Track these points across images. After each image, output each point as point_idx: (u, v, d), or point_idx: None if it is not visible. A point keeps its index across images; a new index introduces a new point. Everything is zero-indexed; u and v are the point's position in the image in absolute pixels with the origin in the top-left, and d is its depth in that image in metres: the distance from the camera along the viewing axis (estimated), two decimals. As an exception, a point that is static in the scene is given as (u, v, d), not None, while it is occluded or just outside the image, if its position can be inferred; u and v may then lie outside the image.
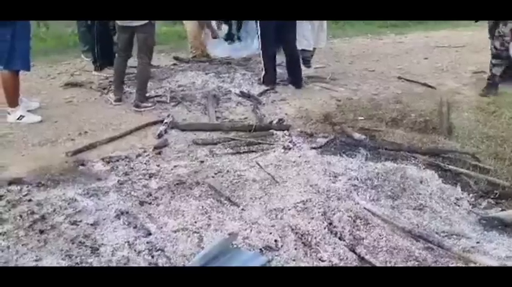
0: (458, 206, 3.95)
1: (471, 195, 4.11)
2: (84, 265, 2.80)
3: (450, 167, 4.44)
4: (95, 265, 2.80)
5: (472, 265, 3.02)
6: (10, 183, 3.73)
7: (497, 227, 3.68)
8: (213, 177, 4.00)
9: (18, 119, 5.20)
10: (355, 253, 3.13)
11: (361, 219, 3.42)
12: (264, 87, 6.90)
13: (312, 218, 3.32)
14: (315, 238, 3.16)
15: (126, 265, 2.83)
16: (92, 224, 3.23)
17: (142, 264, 2.86)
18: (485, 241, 3.43)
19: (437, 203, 3.92)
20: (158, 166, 4.24)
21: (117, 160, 4.31)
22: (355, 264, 3.04)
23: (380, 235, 3.30)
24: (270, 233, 3.12)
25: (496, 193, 4.14)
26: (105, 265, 2.81)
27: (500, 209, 3.97)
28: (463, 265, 3.03)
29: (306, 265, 2.93)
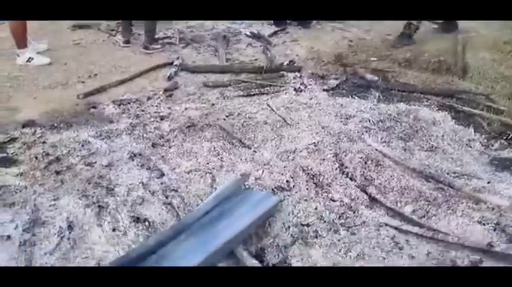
0: (471, 147, 3.94)
1: (484, 136, 4.09)
2: (100, 204, 2.85)
3: (464, 108, 4.39)
4: (111, 205, 2.86)
5: (483, 204, 3.05)
6: (24, 125, 3.76)
7: (509, 168, 3.68)
8: (224, 119, 3.99)
9: (27, 61, 5.16)
10: (366, 193, 3.17)
11: (372, 160, 3.43)
12: (274, 28, 6.75)
13: (324, 159, 3.34)
14: (327, 178, 3.19)
15: (142, 204, 2.89)
16: (106, 166, 3.28)
17: (157, 204, 2.92)
18: (496, 181, 3.44)
19: (449, 144, 3.91)
20: (169, 108, 4.23)
21: (128, 103, 4.30)
22: (366, 204, 3.08)
23: (391, 176, 3.32)
24: (282, 174, 3.15)
25: (509, 134, 4.11)
26: (121, 205, 2.86)
27: (512, 150, 3.96)
28: (474, 205, 3.06)
29: (317, 205, 2.97)
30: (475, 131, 4.12)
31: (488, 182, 3.42)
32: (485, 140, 4.05)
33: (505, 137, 4.10)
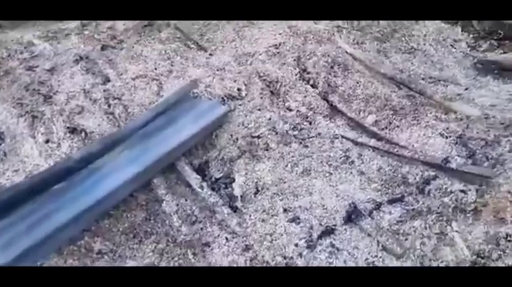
0: (455, 48, 3.60)
1: (471, 36, 3.72)
2: (35, 113, 2.65)
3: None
4: (46, 114, 2.66)
5: (452, 114, 2.81)
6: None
7: (493, 71, 3.37)
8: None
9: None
10: (328, 101, 2.92)
11: (339, 65, 3.13)
12: None
13: (284, 63, 3.05)
14: (285, 85, 2.93)
15: (81, 113, 2.69)
16: (48, 70, 3.03)
17: (98, 113, 2.71)
18: (475, 88, 3.17)
19: (431, 45, 3.57)
20: (128, 4, 3.85)
21: None
22: (325, 114, 2.86)
23: (357, 82, 3.05)
24: (235, 81, 2.88)
25: (500, 34, 3.73)
26: (58, 114, 2.67)
27: (501, 51, 3.61)
28: (443, 114, 2.82)
29: (272, 114, 2.75)
30: (462, 30, 3.75)
31: (466, 89, 3.15)
32: (472, 41, 3.70)
33: (495, 37, 3.72)
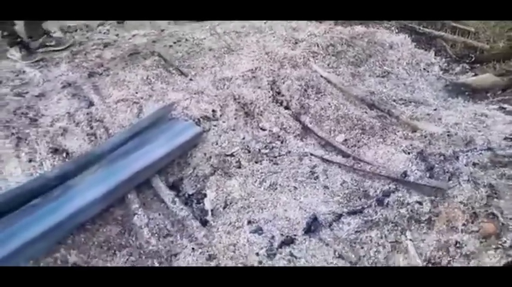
0: (428, 72, 3.76)
1: (444, 60, 3.89)
2: (20, 135, 2.81)
3: (426, 30, 4.13)
4: (31, 135, 2.81)
5: (418, 132, 2.93)
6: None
7: (464, 93, 3.51)
8: (170, 46, 3.84)
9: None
10: (300, 122, 3.07)
11: (313, 87, 3.29)
12: None
13: (259, 87, 3.21)
14: (259, 107, 3.08)
15: (64, 135, 2.84)
16: (37, 96, 3.21)
17: (80, 134, 2.87)
18: (444, 108, 3.30)
19: (404, 69, 3.73)
20: (117, 35, 4.07)
21: (75, 30, 4.14)
22: (297, 133, 3.00)
23: (329, 104, 3.19)
24: (210, 103, 3.04)
25: (472, 57, 3.90)
26: (42, 136, 2.82)
27: (473, 74, 3.76)
28: (410, 133, 2.94)
29: (245, 134, 2.89)
30: (435, 55, 3.91)
31: (435, 109, 3.28)
32: (445, 64, 3.86)
33: (467, 61, 3.89)
